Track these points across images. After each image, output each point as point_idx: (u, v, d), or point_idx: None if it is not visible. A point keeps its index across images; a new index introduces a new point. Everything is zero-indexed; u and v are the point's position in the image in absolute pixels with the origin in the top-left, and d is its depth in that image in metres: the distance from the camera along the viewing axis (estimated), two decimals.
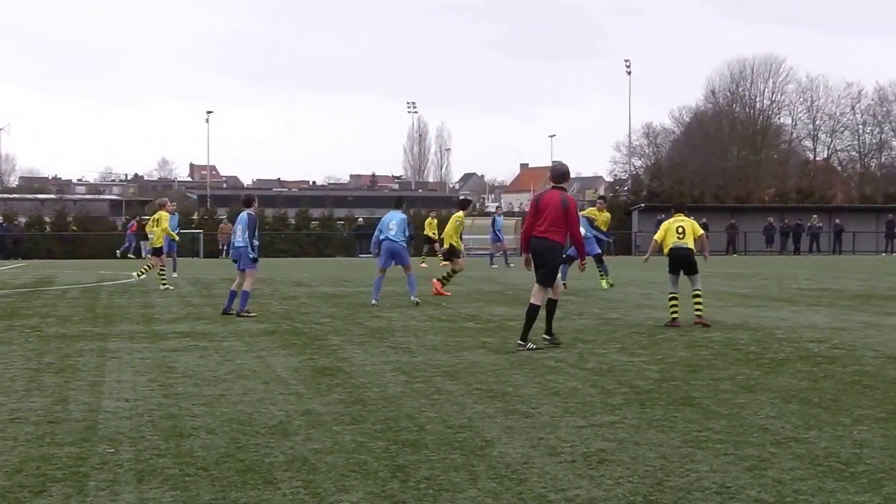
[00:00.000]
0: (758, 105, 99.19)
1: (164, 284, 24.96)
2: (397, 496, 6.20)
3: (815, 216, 62.17)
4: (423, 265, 38.62)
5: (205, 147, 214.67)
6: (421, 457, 7.18)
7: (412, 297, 19.98)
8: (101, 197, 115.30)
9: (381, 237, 20.08)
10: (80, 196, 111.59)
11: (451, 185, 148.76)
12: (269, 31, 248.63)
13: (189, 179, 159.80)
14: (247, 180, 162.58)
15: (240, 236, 17.84)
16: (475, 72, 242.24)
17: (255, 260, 17.86)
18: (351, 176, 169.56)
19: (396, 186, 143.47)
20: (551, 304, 13.46)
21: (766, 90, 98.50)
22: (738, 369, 11.32)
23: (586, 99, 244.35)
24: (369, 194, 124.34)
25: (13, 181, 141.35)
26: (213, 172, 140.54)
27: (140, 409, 8.95)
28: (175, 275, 31.35)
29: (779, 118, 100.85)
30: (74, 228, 58.95)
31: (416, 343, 13.86)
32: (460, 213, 24.76)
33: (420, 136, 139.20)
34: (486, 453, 7.28)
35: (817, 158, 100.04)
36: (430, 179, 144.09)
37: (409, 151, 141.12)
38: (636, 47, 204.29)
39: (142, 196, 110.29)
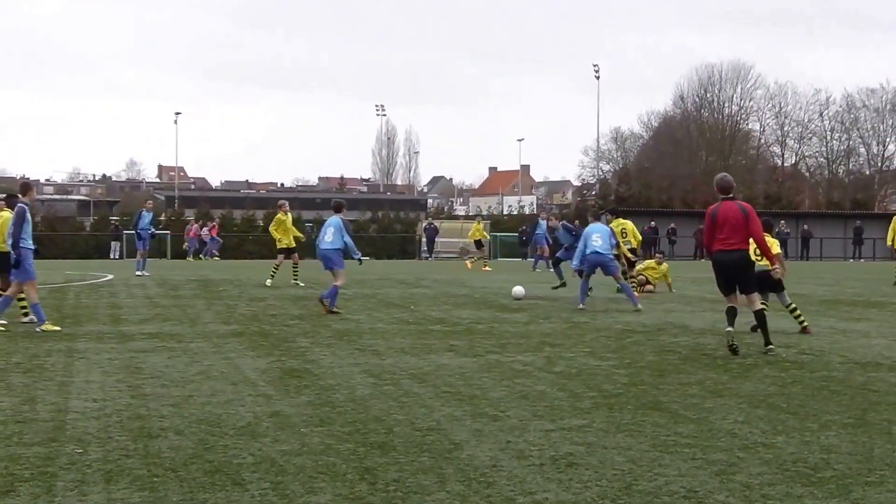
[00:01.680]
0: (726, 111, 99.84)
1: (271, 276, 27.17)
2: (366, 498, 6.20)
3: (782, 222, 62.50)
4: (487, 269, 38.77)
5: (173, 148, 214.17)
6: (389, 459, 7.19)
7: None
8: (69, 197, 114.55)
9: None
10: (48, 196, 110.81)
11: (420, 188, 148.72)
12: (238, 32, 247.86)
13: (157, 181, 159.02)
14: (215, 182, 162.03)
15: (330, 238, 18.89)
16: (443, 75, 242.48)
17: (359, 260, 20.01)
18: (319, 178, 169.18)
19: (365, 189, 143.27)
20: (760, 315, 13.45)
21: (735, 96, 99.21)
22: (706, 374, 11.38)
23: (554, 103, 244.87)
24: (337, 196, 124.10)
25: None
26: (182, 174, 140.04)
27: (108, 410, 8.91)
28: (146, 273, 31.34)
29: (747, 124, 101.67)
30: (42, 229, 58.42)
31: (384, 346, 13.86)
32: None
33: (388, 138, 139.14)
34: (454, 456, 7.29)
35: (785, 164, 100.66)
36: (399, 182, 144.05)
37: (377, 154, 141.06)
38: (605, 52, 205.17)
39: (109, 197, 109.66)
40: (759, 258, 14.76)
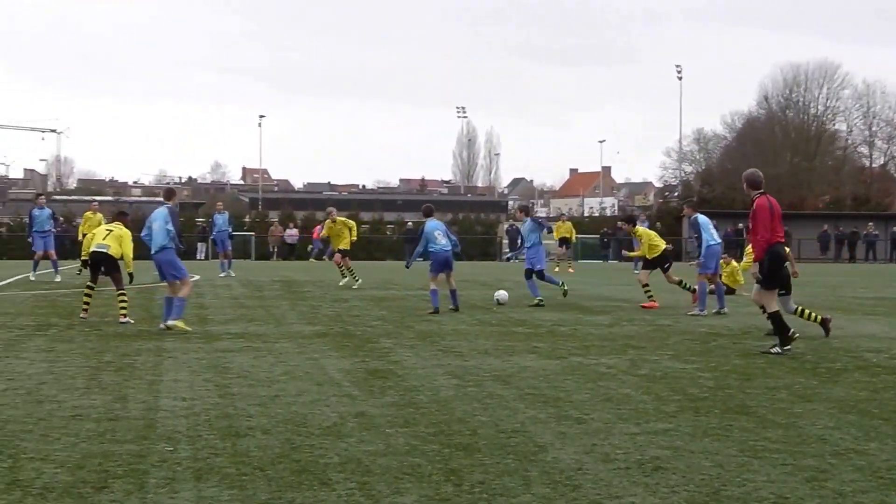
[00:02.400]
0: (812, 111, 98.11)
1: (356, 279, 27.40)
2: (452, 500, 6.21)
3: (871, 224, 61.39)
4: (571, 270, 38.86)
5: (257, 151, 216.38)
6: (474, 461, 7.19)
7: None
8: (156, 199, 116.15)
9: None
10: (135, 198, 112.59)
11: (500, 190, 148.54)
12: (319, 40, 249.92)
13: (241, 183, 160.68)
14: (298, 184, 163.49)
15: (444, 240, 19.54)
16: (524, 77, 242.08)
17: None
18: (400, 180, 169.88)
19: (445, 191, 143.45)
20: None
21: (821, 96, 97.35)
22: (793, 378, 11.22)
23: (636, 104, 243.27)
24: (418, 198, 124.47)
25: (71, 183, 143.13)
26: (265, 176, 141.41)
27: (197, 409, 9.04)
28: (231, 273, 31.85)
29: (833, 124, 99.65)
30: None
31: (466, 347, 13.87)
32: None
33: (469, 140, 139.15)
34: (539, 458, 7.28)
35: (873, 165, 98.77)
36: (479, 184, 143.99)
37: (458, 156, 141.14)
38: (686, 52, 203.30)
39: (195, 199, 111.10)
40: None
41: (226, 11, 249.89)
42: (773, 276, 13.45)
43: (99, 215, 32.82)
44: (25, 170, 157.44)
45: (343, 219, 29.04)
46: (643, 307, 20.77)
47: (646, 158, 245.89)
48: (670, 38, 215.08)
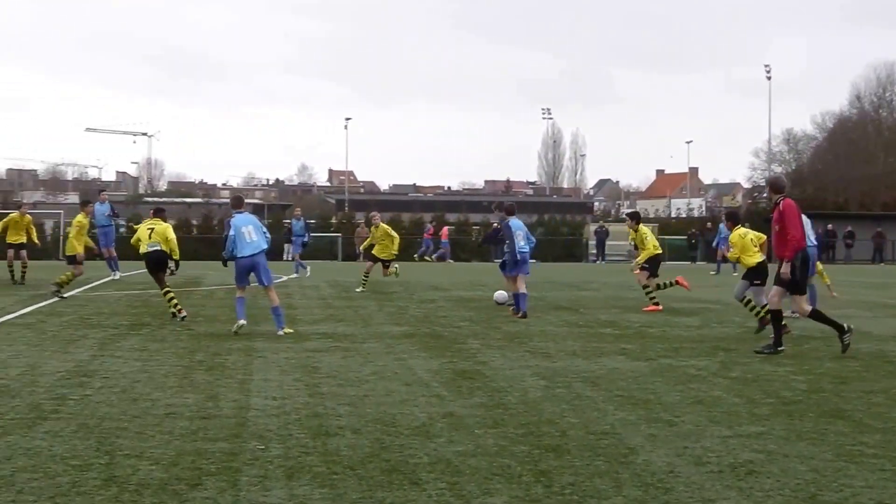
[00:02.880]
0: None
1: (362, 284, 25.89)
2: (542, 501, 6.19)
3: None
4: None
5: (343, 153, 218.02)
6: (564, 462, 7.16)
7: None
8: (245, 201, 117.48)
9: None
10: (224, 200, 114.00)
11: (586, 191, 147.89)
12: (406, 41, 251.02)
13: (328, 184, 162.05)
14: (383, 185, 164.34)
15: (522, 241, 19.22)
16: (609, 78, 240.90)
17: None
18: (486, 181, 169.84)
19: (531, 192, 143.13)
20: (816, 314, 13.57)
21: None
22: (890, 382, 10.99)
23: (723, 105, 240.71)
24: (504, 199, 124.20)
25: (162, 185, 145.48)
26: (351, 178, 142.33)
27: (287, 408, 9.12)
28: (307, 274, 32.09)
29: None
30: (219, 231, 60.16)
31: (554, 348, 13.82)
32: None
33: (554, 142, 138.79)
34: (629, 461, 7.22)
35: None
36: (565, 185, 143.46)
37: (543, 157, 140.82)
38: (775, 52, 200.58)
39: (282, 200, 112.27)
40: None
41: (313, 15, 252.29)
42: (804, 279, 13.51)
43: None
44: (117, 172, 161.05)
45: (386, 227, 26.61)
46: (645, 310, 20.23)
47: (733, 159, 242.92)
48: (759, 37, 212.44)
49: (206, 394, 9.84)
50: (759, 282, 16.70)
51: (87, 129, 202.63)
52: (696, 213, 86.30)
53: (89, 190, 31.94)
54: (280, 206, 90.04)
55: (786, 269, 13.17)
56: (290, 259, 41.71)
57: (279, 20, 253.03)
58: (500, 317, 18.35)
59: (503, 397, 9.83)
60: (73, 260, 22.64)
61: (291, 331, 15.48)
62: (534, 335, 15.46)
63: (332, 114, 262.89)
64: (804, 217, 19.60)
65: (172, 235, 18.34)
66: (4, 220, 27.38)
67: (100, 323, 16.46)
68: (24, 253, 26.93)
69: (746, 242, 16.79)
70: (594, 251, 57.38)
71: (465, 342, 14.47)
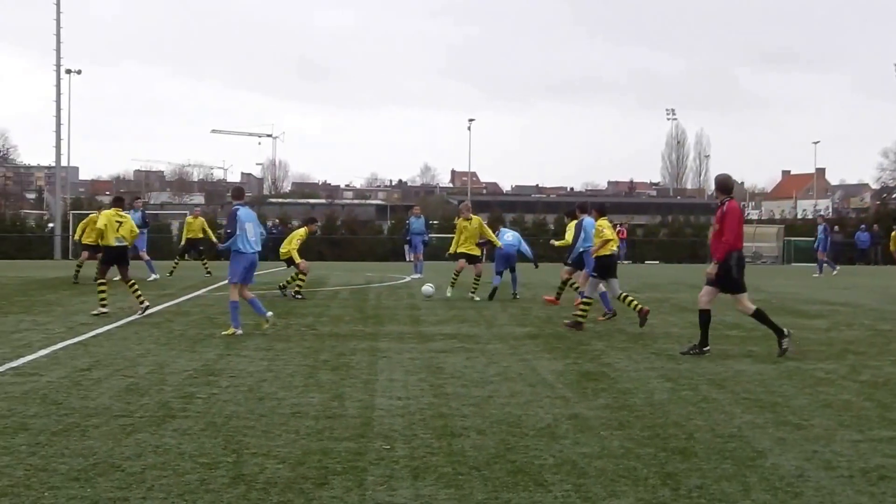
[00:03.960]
0: None
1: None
2: None
3: None
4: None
5: (466, 154, 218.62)
6: (691, 465, 7.10)
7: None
8: (368, 202, 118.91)
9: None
10: (347, 201, 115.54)
11: (710, 193, 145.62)
12: (529, 42, 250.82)
13: (450, 185, 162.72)
14: (506, 186, 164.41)
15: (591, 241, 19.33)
16: (735, 78, 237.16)
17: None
18: (609, 182, 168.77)
19: (654, 193, 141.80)
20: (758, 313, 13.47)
21: None
22: None
23: (851, 104, 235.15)
24: (627, 201, 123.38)
25: (286, 187, 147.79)
26: (474, 179, 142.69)
27: (412, 408, 9.20)
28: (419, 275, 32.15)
29: None
30: (343, 232, 60.90)
31: (679, 350, 13.66)
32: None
33: (678, 143, 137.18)
34: (757, 464, 7.13)
35: None
36: (689, 186, 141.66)
37: (667, 158, 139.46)
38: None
39: (405, 201, 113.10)
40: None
41: (437, 16, 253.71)
42: (729, 276, 13.18)
43: (200, 220, 33.11)
44: (242, 174, 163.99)
45: (480, 219, 23.63)
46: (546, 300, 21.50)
47: (862, 159, 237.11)
48: (887, 35, 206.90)
49: (331, 393, 9.99)
50: (597, 275, 17.08)
51: (213, 131, 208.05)
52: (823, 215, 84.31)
53: (125, 195, 32.05)
54: (403, 206, 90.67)
55: (712, 269, 13.23)
56: (409, 260, 41.93)
57: (403, 22, 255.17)
58: (623, 318, 18.21)
59: (628, 399, 9.78)
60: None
61: (272, 312, 15.97)
62: (658, 337, 15.33)
63: (456, 115, 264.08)
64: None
65: (136, 230, 19.67)
66: (87, 221, 27.89)
67: (226, 322, 16.76)
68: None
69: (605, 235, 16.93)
70: None
71: (589, 343, 14.42)
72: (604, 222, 17.39)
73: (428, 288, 23.09)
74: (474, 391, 10.16)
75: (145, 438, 7.88)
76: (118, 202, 20.03)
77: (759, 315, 13.32)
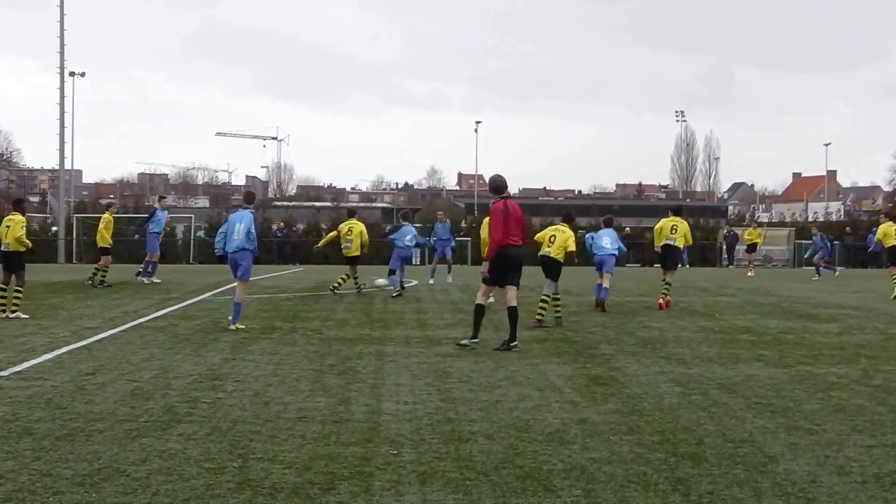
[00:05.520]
0: None
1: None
2: None
3: None
4: (750, 274, 38.05)
5: (472, 156, 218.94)
6: (702, 470, 7.01)
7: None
8: (374, 205, 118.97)
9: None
10: (353, 204, 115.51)
11: (720, 195, 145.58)
12: (535, 45, 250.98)
13: (457, 188, 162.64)
14: (514, 189, 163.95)
15: (610, 244, 21.10)
16: (744, 80, 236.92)
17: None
18: (617, 185, 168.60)
19: (663, 196, 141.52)
20: (513, 311, 13.98)
21: None
22: None
23: (862, 106, 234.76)
24: (636, 203, 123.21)
25: (291, 189, 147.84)
26: (481, 182, 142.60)
27: (419, 413, 9.13)
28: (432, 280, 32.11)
29: None
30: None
31: (689, 354, 13.58)
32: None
33: (688, 145, 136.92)
34: (769, 469, 7.05)
35: None
36: (698, 189, 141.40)
37: (676, 161, 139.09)
38: None
39: (411, 204, 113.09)
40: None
41: (442, 17, 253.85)
42: (493, 272, 13.88)
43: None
44: (247, 177, 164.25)
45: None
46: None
47: (873, 162, 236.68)
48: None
49: (337, 398, 9.91)
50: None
51: (217, 134, 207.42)
52: (833, 218, 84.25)
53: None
54: (410, 210, 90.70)
55: (483, 267, 14.06)
56: (417, 262, 41.79)
57: (406, 23, 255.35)
58: (633, 322, 18.12)
59: (638, 404, 9.69)
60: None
61: (243, 327, 16.42)
62: (668, 341, 15.23)
63: (463, 117, 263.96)
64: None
65: (22, 232, 18.92)
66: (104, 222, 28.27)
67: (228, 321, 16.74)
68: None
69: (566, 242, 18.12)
70: (726, 255, 56.51)
71: (597, 347, 14.33)
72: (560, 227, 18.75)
73: (381, 280, 25.41)
74: (482, 395, 10.08)
75: (150, 443, 7.82)
76: (18, 204, 19.86)
77: (512, 312, 13.88)
